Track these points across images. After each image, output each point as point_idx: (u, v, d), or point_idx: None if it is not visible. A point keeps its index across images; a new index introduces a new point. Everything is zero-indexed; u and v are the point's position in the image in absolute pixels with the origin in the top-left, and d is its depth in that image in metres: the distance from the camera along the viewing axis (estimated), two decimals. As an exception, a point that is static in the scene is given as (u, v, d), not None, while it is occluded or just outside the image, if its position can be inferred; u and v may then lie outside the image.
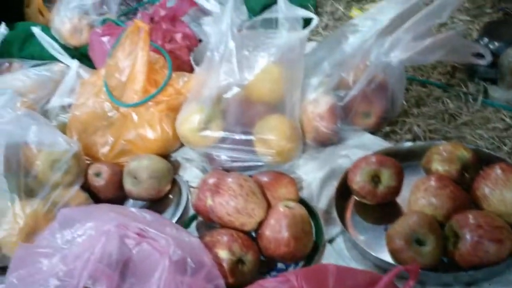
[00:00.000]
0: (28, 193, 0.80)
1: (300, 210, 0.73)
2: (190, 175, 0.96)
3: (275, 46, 0.81)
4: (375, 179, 0.77)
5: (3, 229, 0.77)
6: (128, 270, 0.61)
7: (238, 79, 0.82)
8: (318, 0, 1.59)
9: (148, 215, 0.74)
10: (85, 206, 0.82)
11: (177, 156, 1.01)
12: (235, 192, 0.71)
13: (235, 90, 0.83)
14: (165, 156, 0.98)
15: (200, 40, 1.28)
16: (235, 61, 0.81)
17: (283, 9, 0.80)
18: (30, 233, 0.78)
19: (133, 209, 0.74)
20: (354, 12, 1.40)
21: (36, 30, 1.18)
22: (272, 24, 0.95)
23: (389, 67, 0.88)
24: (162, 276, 0.58)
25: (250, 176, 0.79)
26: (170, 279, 0.58)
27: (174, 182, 0.94)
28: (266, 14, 0.92)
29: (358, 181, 0.77)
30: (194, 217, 0.85)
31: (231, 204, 0.71)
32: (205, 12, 1.33)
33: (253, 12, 1.34)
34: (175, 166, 0.98)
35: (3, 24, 1.23)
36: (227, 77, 0.82)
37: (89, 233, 0.67)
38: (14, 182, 0.79)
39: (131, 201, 0.95)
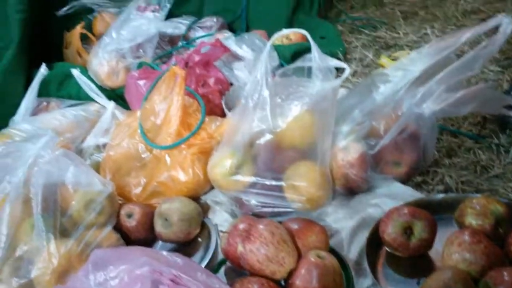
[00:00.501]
0: (63, 232, 0.82)
1: (332, 260, 0.72)
2: (220, 218, 0.97)
3: (308, 95, 0.83)
4: (407, 231, 0.76)
5: (37, 268, 0.78)
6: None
7: (271, 126, 0.84)
8: (347, 46, 1.62)
9: (180, 259, 0.74)
10: (117, 248, 0.83)
11: (207, 198, 1.02)
12: (267, 239, 0.71)
13: (268, 136, 0.85)
14: (195, 198, 1.00)
15: (231, 84, 1.32)
16: (269, 108, 0.83)
17: (316, 59, 0.82)
18: (63, 273, 0.79)
19: (164, 253, 0.75)
20: (383, 59, 1.42)
21: (75, 71, 1.23)
22: (303, 72, 0.98)
23: (422, 118, 0.88)
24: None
25: (280, 222, 0.79)
26: (202, 327, 0.58)
27: (204, 225, 0.95)
28: (299, 63, 0.95)
29: (390, 232, 0.77)
30: (223, 262, 0.85)
31: (262, 251, 0.71)
32: (236, 57, 1.37)
33: (284, 58, 1.37)
34: (205, 209, 0.99)
35: (44, 65, 1.28)
36: (260, 124, 0.84)
37: (122, 276, 0.68)
38: (50, 221, 0.81)
39: (160, 242, 0.96)
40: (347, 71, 0.85)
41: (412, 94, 0.90)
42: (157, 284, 0.64)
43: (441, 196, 0.88)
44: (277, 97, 0.86)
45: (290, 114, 0.83)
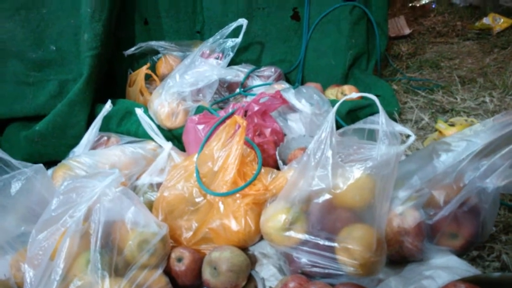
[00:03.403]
0: (116, 271, 0.83)
1: (385, 332, 0.71)
2: (267, 272, 0.96)
3: (372, 159, 0.83)
4: (464, 309, 0.74)
5: (89, 304, 0.80)
6: None
7: (331, 186, 0.84)
8: (401, 106, 1.62)
9: (229, 312, 0.74)
10: (168, 294, 0.83)
11: (255, 250, 1.02)
12: (320, 303, 0.71)
13: (326, 196, 0.85)
14: (244, 249, 1.00)
15: (284, 135, 1.33)
16: (330, 168, 0.83)
17: (383, 124, 0.82)
18: (114, 312, 0.80)
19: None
20: (440, 124, 1.41)
21: (138, 110, 1.27)
22: (363, 133, 0.98)
23: (484, 192, 0.87)
24: None
25: (332, 285, 0.78)
26: None
27: (250, 277, 0.95)
28: (361, 124, 0.96)
29: (446, 309, 0.74)
30: (269, 319, 0.84)
31: (314, 315, 0.70)
32: (291, 108, 1.39)
33: (339, 114, 1.39)
34: (252, 261, 0.99)
35: (109, 101, 1.34)
36: (320, 183, 0.84)
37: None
38: (106, 258, 0.83)
39: (206, 290, 0.96)
40: (412, 139, 0.85)
41: (475, 166, 0.89)
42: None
43: (498, 274, 0.84)
44: (338, 156, 0.86)
45: (352, 176, 0.83)
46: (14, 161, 0.96)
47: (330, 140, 0.83)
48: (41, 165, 0.99)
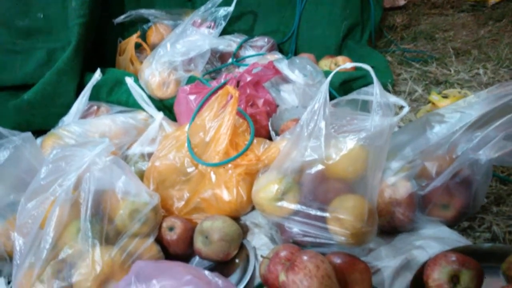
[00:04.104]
0: (107, 240, 0.83)
1: (375, 301, 0.71)
2: (258, 241, 0.96)
3: (365, 129, 0.82)
4: (453, 279, 0.74)
5: (79, 273, 0.79)
6: None
7: (324, 157, 0.83)
8: (395, 78, 1.61)
9: (220, 281, 0.74)
10: (160, 262, 0.83)
11: (246, 220, 1.02)
12: (311, 272, 0.71)
13: (319, 166, 0.84)
14: (236, 218, 1.00)
15: (277, 106, 1.32)
16: (323, 139, 0.83)
17: (377, 95, 0.81)
18: (104, 281, 0.80)
19: (206, 272, 0.75)
20: (433, 96, 1.41)
21: (129, 80, 1.25)
22: (357, 104, 0.97)
23: (477, 164, 0.86)
24: None
25: (323, 254, 0.78)
26: None
27: (242, 247, 0.95)
28: (354, 95, 0.95)
29: (436, 278, 0.75)
30: (260, 287, 0.85)
31: (305, 284, 0.70)
32: (285, 79, 1.37)
33: (332, 85, 1.37)
34: (244, 230, 0.99)
35: (99, 70, 1.31)
36: (313, 153, 0.84)
37: (165, 292, 0.68)
38: (97, 227, 0.82)
39: (197, 258, 0.96)
40: (406, 110, 0.84)
41: (468, 138, 0.88)
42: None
43: (489, 245, 0.85)
44: (331, 126, 0.85)
45: (345, 147, 0.82)
46: (1, 130, 0.94)
47: (323, 111, 0.82)
48: (30, 133, 0.97)
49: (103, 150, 0.85)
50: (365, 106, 0.96)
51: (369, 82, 1.41)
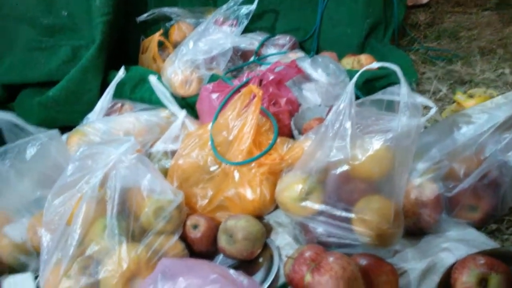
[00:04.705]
0: (133, 237, 0.84)
1: (402, 303, 0.70)
2: (282, 241, 0.96)
3: (392, 130, 0.81)
4: (482, 282, 0.73)
5: (106, 269, 0.80)
6: None
7: (349, 157, 0.82)
8: (419, 77, 1.59)
9: (245, 280, 0.74)
10: (186, 259, 0.83)
11: (270, 219, 1.02)
12: (337, 274, 0.70)
13: (345, 167, 0.83)
14: (259, 217, 1.00)
15: (299, 105, 1.31)
16: (349, 140, 0.82)
17: (405, 95, 0.80)
18: (130, 278, 0.80)
19: (231, 271, 0.75)
20: (459, 96, 1.38)
21: (152, 78, 1.26)
22: (381, 104, 0.96)
23: (505, 166, 0.85)
24: None
25: (349, 255, 0.77)
26: None
27: (265, 246, 0.95)
28: (379, 95, 0.93)
29: (464, 281, 0.74)
30: (284, 287, 0.85)
31: (331, 285, 0.70)
32: (307, 78, 1.37)
33: (356, 85, 1.35)
34: (267, 229, 0.99)
35: (123, 67, 1.32)
36: (338, 154, 0.83)
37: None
38: (123, 224, 0.83)
39: (221, 256, 0.96)
40: (433, 111, 0.83)
41: (497, 140, 0.87)
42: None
43: (517, 249, 0.84)
44: (356, 127, 0.84)
45: (371, 147, 0.81)
46: (29, 127, 0.96)
47: (349, 111, 0.81)
48: (56, 130, 0.99)
49: (128, 148, 0.85)
50: (390, 106, 0.95)
51: (393, 82, 1.40)
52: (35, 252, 0.93)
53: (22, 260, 0.93)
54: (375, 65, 0.84)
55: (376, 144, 0.81)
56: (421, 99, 0.84)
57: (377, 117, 0.88)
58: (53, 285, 0.81)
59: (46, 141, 0.96)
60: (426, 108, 0.86)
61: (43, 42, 1.48)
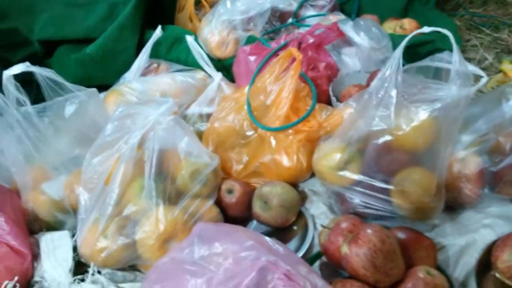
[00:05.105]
0: (170, 200, 0.84)
1: (441, 279, 0.69)
2: (316, 209, 0.95)
3: (440, 100, 0.77)
4: (525, 262, 0.71)
5: (143, 230, 0.81)
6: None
7: (393, 127, 0.79)
8: (463, 44, 1.52)
9: (281, 248, 0.74)
10: (221, 225, 0.83)
11: (305, 187, 1.01)
12: (376, 246, 0.69)
13: (387, 137, 0.80)
14: (294, 185, 0.98)
15: (338, 70, 1.28)
16: (393, 109, 0.79)
17: (457, 63, 0.76)
18: (166, 239, 0.81)
19: (267, 239, 0.75)
20: (506, 65, 1.32)
21: (189, 38, 1.24)
22: (427, 72, 0.92)
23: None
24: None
25: (387, 228, 0.76)
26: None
27: (300, 214, 0.94)
28: (427, 62, 0.89)
29: (506, 260, 0.72)
30: (318, 256, 0.84)
31: (369, 258, 0.69)
32: (347, 42, 1.32)
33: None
34: (302, 197, 0.98)
35: (159, 27, 1.30)
36: (381, 123, 0.80)
37: (227, 255, 0.69)
38: (160, 186, 0.83)
39: (254, 222, 0.96)
40: (484, 80, 0.79)
41: (549, 113, 0.82)
42: (265, 272, 0.63)
43: None
44: (401, 96, 0.81)
45: (417, 118, 0.78)
46: (68, 84, 0.96)
47: (395, 79, 0.78)
48: (95, 89, 0.99)
49: (167, 109, 0.84)
50: (437, 74, 0.90)
51: (437, 48, 1.34)
52: (72, 210, 0.94)
53: (59, 217, 0.94)
54: (426, 29, 0.79)
55: (422, 114, 0.78)
56: (472, 68, 0.80)
57: (424, 85, 0.84)
58: (91, 244, 0.83)
59: (85, 99, 0.96)
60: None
61: (80, -2, 1.47)
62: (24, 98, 0.92)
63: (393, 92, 0.78)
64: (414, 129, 0.79)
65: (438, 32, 0.80)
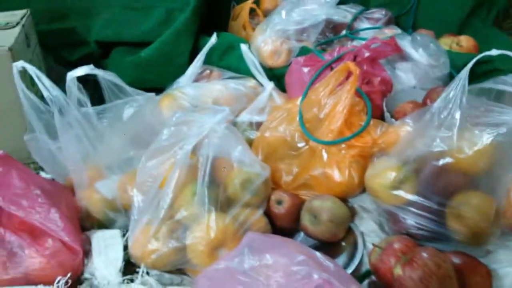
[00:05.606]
0: (221, 208, 0.84)
1: (498, 310, 0.67)
2: (367, 227, 0.94)
3: (505, 124, 0.75)
4: None
5: (194, 236, 0.82)
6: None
7: (454, 150, 0.77)
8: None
9: (332, 264, 0.73)
10: (271, 236, 0.83)
11: (354, 202, 0.99)
12: (431, 270, 0.67)
13: (447, 159, 0.79)
14: (343, 200, 0.97)
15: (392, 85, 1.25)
16: (456, 131, 0.77)
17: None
18: (216, 247, 0.82)
19: (318, 254, 0.74)
20: None
21: (244, 47, 1.25)
22: (489, 94, 0.90)
23: None
24: None
25: (440, 251, 0.74)
26: None
27: (349, 230, 0.93)
28: (490, 84, 0.87)
29: None
30: (367, 275, 0.83)
31: (424, 282, 0.67)
32: (402, 57, 1.30)
33: (455, 68, 1.28)
34: (351, 213, 0.96)
35: (215, 34, 1.32)
36: (442, 144, 0.78)
37: (278, 268, 0.68)
38: (213, 193, 0.84)
39: (301, 234, 0.95)
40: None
41: None
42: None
43: None
44: (464, 118, 0.79)
45: (481, 142, 0.76)
46: (128, 88, 0.98)
47: (460, 100, 0.76)
48: (153, 94, 1.01)
49: (223, 118, 0.86)
50: (500, 97, 0.88)
51: (496, 68, 1.30)
52: (123, 210, 0.96)
53: (111, 216, 0.96)
54: (494, 52, 0.77)
55: (486, 138, 0.76)
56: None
57: (487, 108, 0.82)
58: (142, 245, 0.84)
59: (143, 103, 0.98)
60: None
61: (139, 1, 1.51)
62: (85, 99, 0.95)
63: (457, 114, 0.77)
64: (476, 152, 0.77)
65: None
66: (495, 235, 0.80)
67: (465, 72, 0.77)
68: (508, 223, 0.86)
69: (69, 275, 0.82)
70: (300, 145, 1.03)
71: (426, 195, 0.83)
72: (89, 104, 0.94)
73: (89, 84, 1.00)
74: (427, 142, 0.80)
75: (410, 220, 0.84)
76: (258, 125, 1.16)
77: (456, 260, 0.74)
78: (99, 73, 0.93)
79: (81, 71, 0.91)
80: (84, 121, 0.94)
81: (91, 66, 0.92)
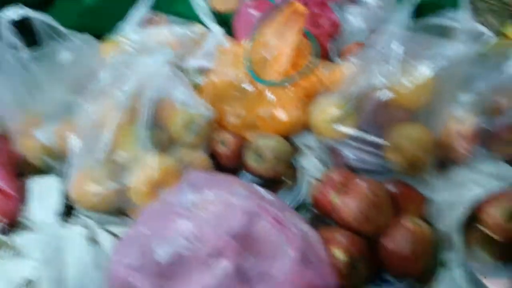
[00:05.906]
0: (162, 148, 0.84)
1: (427, 230, 0.70)
2: (308, 163, 0.95)
3: (444, 58, 0.76)
4: (512, 217, 0.72)
5: (136, 176, 0.81)
6: (253, 250, 0.62)
7: (394, 84, 0.79)
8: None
9: (273, 197, 0.74)
10: (213, 173, 0.84)
11: (297, 141, 1.00)
12: (367, 197, 0.70)
13: (387, 93, 0.80)
14: (287, 138, 0.98)
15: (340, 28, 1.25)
16: (397, 65, 0.78)
17: (463, 21, 0.74)
18: (158, 187, 0.81)
19: (259, 188, 0.75)
20: (509, 29, 1.30)
21: (192, -10, 1.21)
22: (435, 30, 0.91)
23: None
24: (287, 266, 0.58)
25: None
26: (294, 270, 0.58)
27: (291, 167, 0.94)
28: (434, 20, 0.87)
29: (494, 214, 0.73)
30: (308, 207, 0.85)
31: (358, 207, 0.70)
32: (352, 0, 1.29)
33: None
34: (295, 151, 0.97)
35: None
36: (382, 79, 0.79)
37: (218, 202, 0.69)
38: (154, 134, 0.83)
39: (244, 174, 0.96)
40: (491, 40, 0.78)
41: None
42: (253, 215, 0.64)
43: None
44: (405, 52, 0.80)
45: (421, 75, 0.77)
46: (64, 30, 0.94)
47: (400, 34, 0.77)
48: (91, 36, 0.97)
49: (164, 59, 0.84)
50: (443, 33, 0.89)
51: (443, 7, 1.31)
52: (62, 156, 0.93)
53: (48, 162, 0.94)
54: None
55: (425, 71, 0.77)
56: (480, 27, 0.79)
57: (428, 43, 0.83)
58: (81, 188, 0.83)
59: (81, 46, 0.95)
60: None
61: None
62: (19, 43, 0.90)
63: (398, 48, 0.77)
64: (416, 86, 0.78)
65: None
66: (431, 165, 0.83)
67: (405, 7, 0.77)
68: (443, 154, 0.89)
69: (4, 220, 0.80)
70: (247, 87, 1.02)
71: (366, 129, 0.85)
72: (23, 48, 0.90)
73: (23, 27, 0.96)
74: (368, 77, 0.81)
75: (350, 154, 0.86)
76: (206, 70, 1.14)
77: (392, 188, 0.77)
78: (32, 14, 0.89)
79: (12, 12, 0.86)
80: (19, 67, 0.90)
81: (21, 5, 0.87)
